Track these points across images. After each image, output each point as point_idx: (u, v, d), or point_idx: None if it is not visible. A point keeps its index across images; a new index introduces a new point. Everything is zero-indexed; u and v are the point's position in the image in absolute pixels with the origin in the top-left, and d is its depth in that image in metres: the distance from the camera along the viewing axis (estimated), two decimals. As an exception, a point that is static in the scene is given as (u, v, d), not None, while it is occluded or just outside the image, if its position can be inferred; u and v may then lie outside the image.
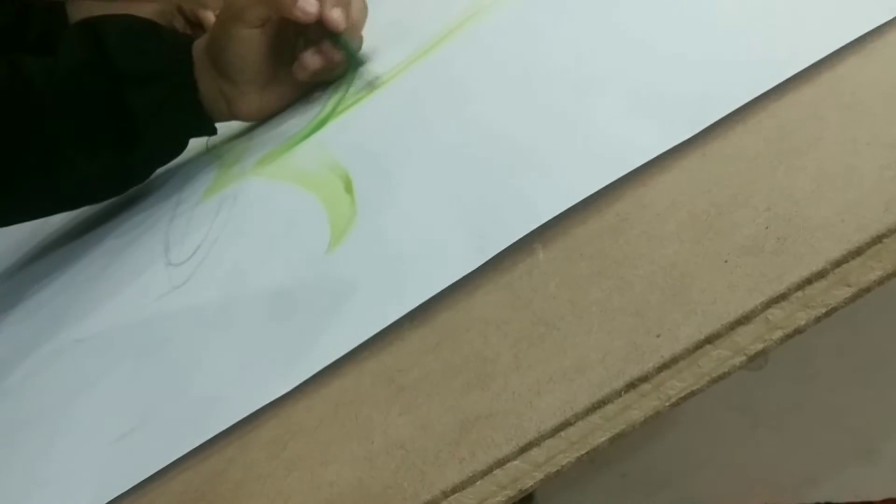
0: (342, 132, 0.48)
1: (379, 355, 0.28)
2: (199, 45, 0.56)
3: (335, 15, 0.52)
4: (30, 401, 0.41)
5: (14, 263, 0.62)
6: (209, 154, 0.60)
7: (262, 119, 0.59)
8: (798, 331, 0.21)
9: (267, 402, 0.29)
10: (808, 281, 0.20)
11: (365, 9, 0.56)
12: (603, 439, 0.21)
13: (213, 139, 0.61)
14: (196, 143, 0.60)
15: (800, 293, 0.20)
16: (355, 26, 0.54)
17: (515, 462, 0.21)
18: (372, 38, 0.56)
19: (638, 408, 0.21)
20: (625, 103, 0.31)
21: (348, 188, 0.40)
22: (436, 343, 0.27)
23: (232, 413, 0.29)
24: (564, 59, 0.38)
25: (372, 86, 0.51)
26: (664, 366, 0.21)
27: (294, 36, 0.56)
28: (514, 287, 0.27)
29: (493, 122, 0.37)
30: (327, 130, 0.50)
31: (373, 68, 0.52)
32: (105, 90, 0.54)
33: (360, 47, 0.56)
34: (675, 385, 0.21)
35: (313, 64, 0.54)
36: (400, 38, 0.55)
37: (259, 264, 0.39)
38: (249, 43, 0.54)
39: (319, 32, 0.54)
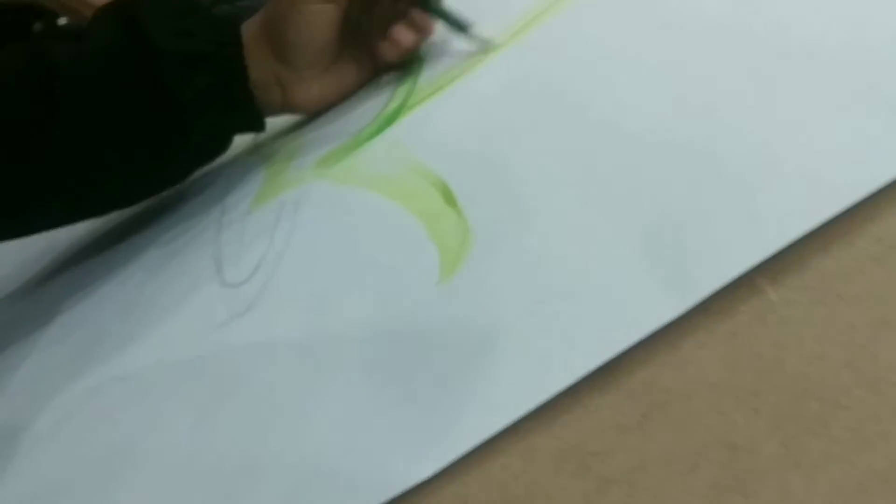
0: (423, 128, 0.41)
1: (553, 427, 0.21)
2: (250, 25, 0.49)
3: None
4: (62, 458, 0.34)
5: (33, 277, 0.54)
6: (254, 155, 0.53)
7: (319, 110, 0.52)
8: None
9: (392, 494, 0.22)
10: None
11: None
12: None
13: (260, 137, 0.54)
14: (238, 142, 0.53)
15: None
16: None
17: None
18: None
19: None
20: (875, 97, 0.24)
21: (448, 199, 0.33)
22: (640, 416, 0.20)
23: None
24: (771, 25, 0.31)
25: (488, 50, 0.44)
26: None
27: (359, 12, 0.49)
28: (741, 338, 0.20)
29: (662, 118, 0.30)
30: (402, 126, 0.42)
31: (480, 32, 0.45)
32: (141, 75, 0.46)
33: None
34: None
35: (408, 40, 0.47)
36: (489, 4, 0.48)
37: (345, 292, 0.32)
38: (319, 19, 0.47)
39: (396, 14, 0.47)
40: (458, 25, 0.45)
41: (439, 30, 0.50)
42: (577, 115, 0.33)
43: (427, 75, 0.46)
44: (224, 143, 0.52)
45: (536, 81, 0.38)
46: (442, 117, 0.40)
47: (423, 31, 0.47)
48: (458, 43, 0.46)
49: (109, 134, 0.47)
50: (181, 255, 0.45)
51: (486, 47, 0.44)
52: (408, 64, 0.49)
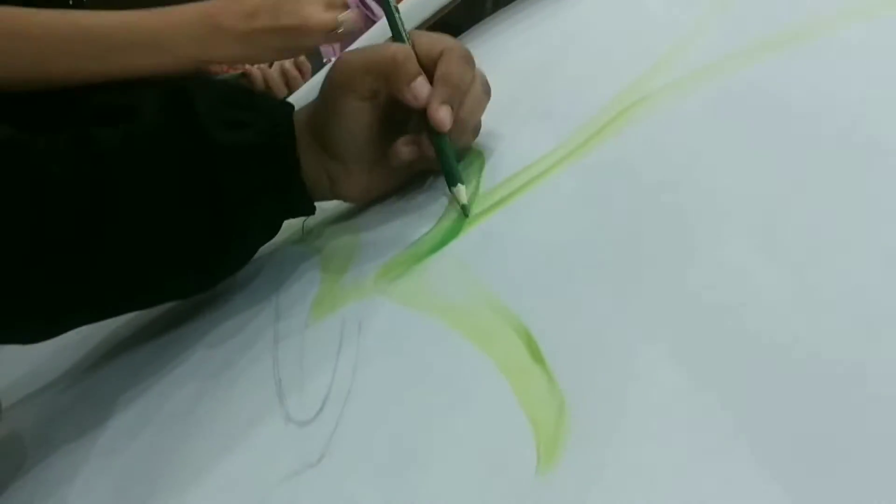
0: (490, 250, 0.39)
1: None
2: (299, 118, 0.48)
3: (441, 115, 0.44)
4: None
5: (77, 364, 0.53)
6: (306, 243, 0.52)
7: (369, 199, 0.51)
8: None
9: None
10: None
11: (485, 96, 0.47)
12: None
13: (310, 220, 0.53)
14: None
15: None
16: (462, 127, 0.46)
17: None
18: (499, 116, 0.48)
19: None
20: None
21: (534, 352, 0.31)
22: None
23: None
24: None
25: (463, 212, 0.43)
26: None
27: (407, 112, 0.48)
28: None
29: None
30: (466, 242, 0.41)
31: (464, 191, 0.44)
32: (194, 169, 0.45)
33: (476, 133, 0.48)
34: None
35: (405, 154, 0.47)
36: (538, 122, 0.46)
37: (426, 451, 0.31)
38: (359, 116, 0.46)
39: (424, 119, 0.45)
40: (449, 176, 0.45)
41: (499, 124, 0.49)
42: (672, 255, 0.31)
43: (490, 178, 0.45)
44: (275, 230, 0.51)
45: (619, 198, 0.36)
46: (511, 241, 0.39)
47: (423, 154, 0.46)
48: (525, 143, 0.45)
49: (159, 228, 0.46)
50: (236, 365, 0.43)
51: (465, 210, 0.43)
52: (467, 160, 0.47)
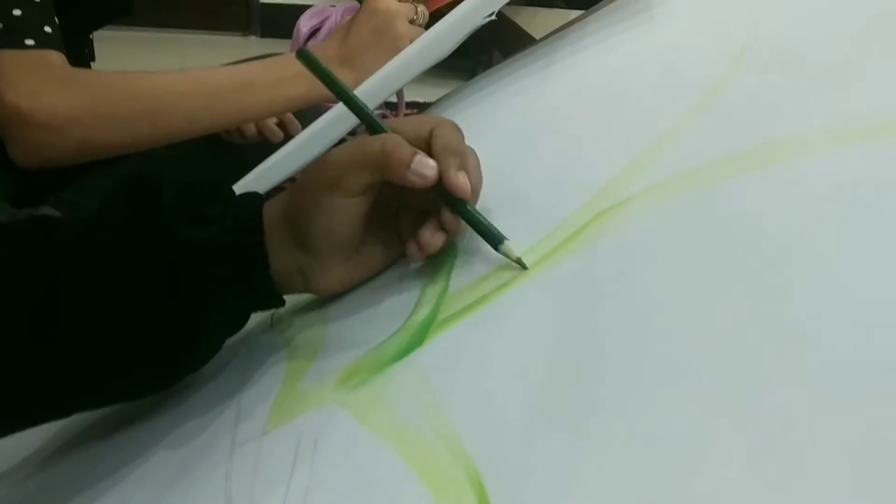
0: (455, 371, 0.37)
1: None
2: (271, 209, 0.46)
3: (462, 179, 0.42)
4: None
5: (21, 464, 0.51)
6: (274, 330, 0.50)
7: (343, 291, 0.49)
8: None
9: None
10: None
11: (479, 170, 0.46)
12: None
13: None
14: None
15: None
16: (476, 191, 0.44)
17: None
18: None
19: None
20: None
21: (480, 496, 0.30)
22: None
23: None
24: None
25: (522, 265, 0.41)
26: None
27: (389, 199, 0.46)
28: None
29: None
30: (430, 353, 0.39)
31: (512, 246, 0.42)
32: (155, 266, 0.44)
33: None
34: None
35: (435, 244, 0.44)
36: (511, 216, 0.45)
37: None
38: (344, 213, 0.44)
39: (428, 198, 0.44)
40: (491, 238, 0.42)
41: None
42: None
43: (460, 277, 0.43)
44: (241, 325, 0.49)
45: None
46: (475, 358, 0.37)
47: (452, 233, 0.44)
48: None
49: (118, 324, 0.44)
50: (194, 471, 0.42)
51: (515, 267, 0.41)
52: (438, 257, 0.46)
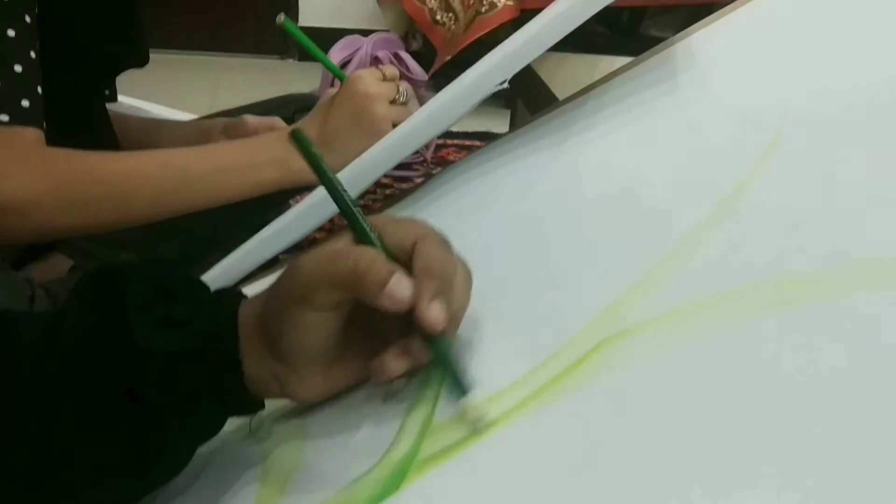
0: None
1: None
2: (248, 312, 0.42)
3: (434, 313, 0.37)
4: None
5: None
6: (253, 437, 0.46)
7: (325, 398, 0.45)
8: None
9: None
10: None
11: (469, 282, 0.41)
12: None
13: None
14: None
15: None
16: (455, 320, 0.40)
17: None
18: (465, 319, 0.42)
19: None
20: None
21: None
22: None
23: None
24: None
25: (477, 429, 0.36)
26: None
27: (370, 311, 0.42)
28: None
29: None
30: (406, 499, 0.35)
31: (478, 399, 0.37)
32: (121, 370, 0.40)
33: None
34: None
35: (396, 369, 0.40)
36: (508, 337, 0.40)
37: None
38: (317, 329, 0.40)
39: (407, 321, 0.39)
40: (456, 384, 0.38)
41: (465, 330, 0.42)
42: None
43: (448, 404, 0.39)
44: (216, 430, 0.45)
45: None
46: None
47: (417, 363, 0.40)
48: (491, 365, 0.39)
49: (80, 439, 0.40)
50: None
51: (480, 425, 0.36)
52: (426, 378, 0.41)
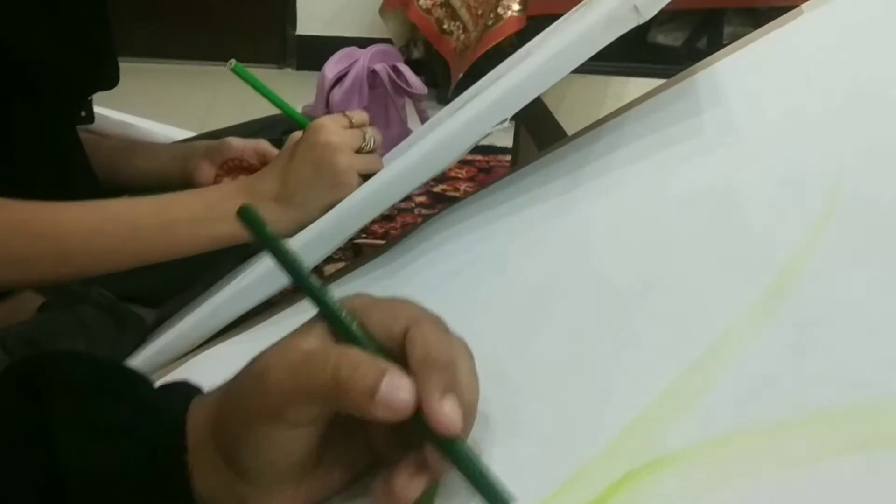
0: None
1: None
2: (199, 417, 0.35)
3: (447, 412, 0.30)
4: None
5: None
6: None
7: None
8: None
9: None
10: None
11: (475, 373, 0.34)
12: None
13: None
14: None
15: None
16: (472, 415, 0.33)
17: None
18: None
19: None
20: None
21: None
22: None
23: None
24: None
25: None
26: None
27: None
28: None
29: None
30: None
31: None
32: (42, 494, 0.33)
33: None
34: None
35: (413, 492, 0.32)
36: (512, 440, 0.33)
37: None
38: (289, 446, 0.33)
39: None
40: (494, 498, 0.30)
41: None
42: None
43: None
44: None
45: None
46: None
47: (437, 475, 0.32)
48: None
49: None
50: None
51: None
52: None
